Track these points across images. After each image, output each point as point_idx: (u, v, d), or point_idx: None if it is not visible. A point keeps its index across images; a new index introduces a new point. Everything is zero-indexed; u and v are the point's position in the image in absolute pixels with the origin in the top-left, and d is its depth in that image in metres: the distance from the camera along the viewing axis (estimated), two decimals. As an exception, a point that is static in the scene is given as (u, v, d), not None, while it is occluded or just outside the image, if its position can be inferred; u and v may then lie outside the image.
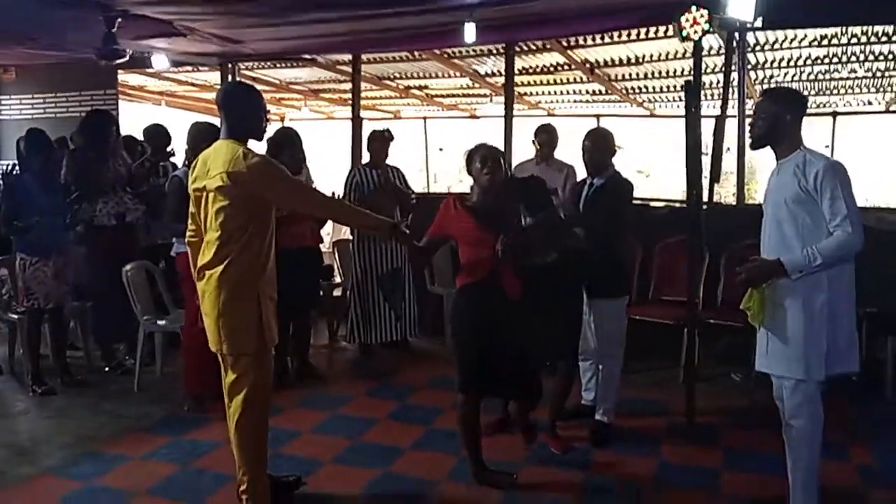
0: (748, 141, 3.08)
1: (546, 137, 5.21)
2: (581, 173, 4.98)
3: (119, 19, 5.39)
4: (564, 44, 6.81)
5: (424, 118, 12.64)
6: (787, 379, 2.93)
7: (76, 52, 6.49)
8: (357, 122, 7.23)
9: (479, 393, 3.36)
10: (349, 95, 7.93)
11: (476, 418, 3.38)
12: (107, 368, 5.08)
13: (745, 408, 4.36)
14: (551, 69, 8.05)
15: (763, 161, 8.12)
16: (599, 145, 3.94)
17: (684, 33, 4.29)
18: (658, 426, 4.16)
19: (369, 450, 3.84)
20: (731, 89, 5.49)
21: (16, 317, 4.92)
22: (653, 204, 6.24)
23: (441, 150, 13.61)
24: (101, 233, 4.95)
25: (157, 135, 5.65)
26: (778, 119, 2.94)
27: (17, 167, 4.84)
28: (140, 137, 5.91)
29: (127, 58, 5.88)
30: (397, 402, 4.56)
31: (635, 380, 4.80)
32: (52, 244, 4.62)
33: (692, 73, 4.43)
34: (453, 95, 10.44)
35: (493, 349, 3.28)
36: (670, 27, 5.63)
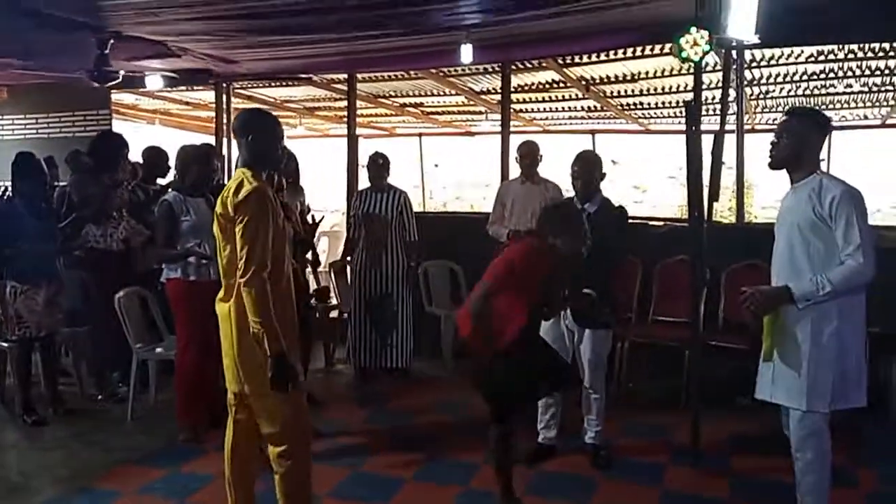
0: (767, 161, 2.95)
1: (526, 151, 5.12)
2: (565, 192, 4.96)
3: (112, 41, 5.35)
4: (560, 62, 6.78)
5: (420, 135, 12.59)
6: (794, 409, 2.86)
7: (69, 73, 6.44)
8: (353, 140, 7.18)
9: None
10: (344, 113, 7.90)
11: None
12: (100, 397, 4.97)
13: (751, 433, 4.25)
14: (546, 86, 8.03)
15: (761, 175, 8.11)
16: (590, 169, 3.88)
17: (684, 54, 4.25)
18: (661, 452, 4.08)
19: (371, 481, 3.75)
20: (728, 105, 5.46)
21: (6, 345, 4.80)
22: (652, 223, 6.17)
23: (436, 166, 13.57)
24: (106, 258, 4.84)
25: (156, 160, 5.37)
26: (803, 141, 2.86)
27: (6, 191, 4.71)
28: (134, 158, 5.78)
29: (119, 79, 5.83)
30: (395, 428, 4.48)
31: (636, 404, 4.73)
32: (44, 271, 4.54)
33: (692, 91, 4.39)
34: (448, 112, 10.40)
35: None
36: (668, 46, 5.64)
